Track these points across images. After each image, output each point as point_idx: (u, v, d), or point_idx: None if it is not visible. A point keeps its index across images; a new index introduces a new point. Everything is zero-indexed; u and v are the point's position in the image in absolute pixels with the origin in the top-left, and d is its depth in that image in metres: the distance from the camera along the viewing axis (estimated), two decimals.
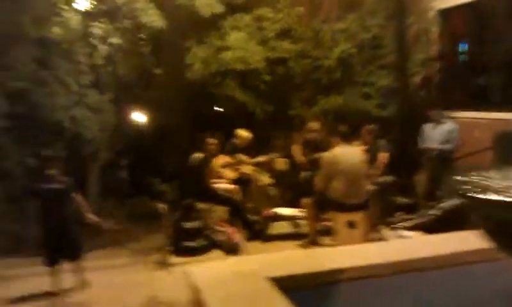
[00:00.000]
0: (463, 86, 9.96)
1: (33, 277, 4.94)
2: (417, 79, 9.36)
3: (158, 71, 8.76)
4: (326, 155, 5.76)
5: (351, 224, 5.51)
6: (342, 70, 9.72)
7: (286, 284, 2.59)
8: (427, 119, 7.51)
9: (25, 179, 5.82)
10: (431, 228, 5.71)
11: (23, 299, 4.52)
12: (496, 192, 1.95)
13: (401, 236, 5.83)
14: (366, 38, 9.62)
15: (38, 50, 6.84)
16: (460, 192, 2.11)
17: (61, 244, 4.69)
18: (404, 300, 2.70)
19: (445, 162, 6.90)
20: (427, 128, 7.45)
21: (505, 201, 1.87)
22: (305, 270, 2.88)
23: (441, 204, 6.02)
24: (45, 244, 4.70)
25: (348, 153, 5.67)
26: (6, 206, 5.61)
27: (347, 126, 5.92)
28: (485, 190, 1.99)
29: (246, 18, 9.34)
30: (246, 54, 8.85)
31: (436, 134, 7.27)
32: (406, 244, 3.86)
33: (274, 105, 9.41)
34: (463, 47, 10.37)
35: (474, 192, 2.01)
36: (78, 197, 4.81)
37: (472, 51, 10.18)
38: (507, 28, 8.88)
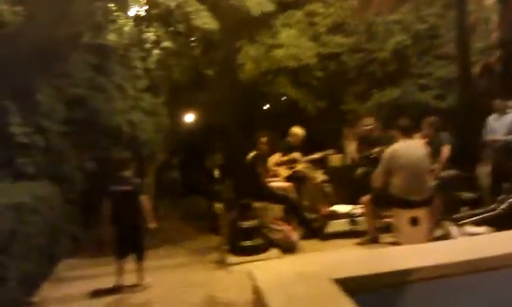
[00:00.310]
0: None
1: (94, 278, 5.07)
2: (477, 68, 8.93)
3: (210, 72, 8.83)
4: (387, 150, 5.53)
5: (414, 221, 5.28)
6: (397, 62, 9.46)
7: (351, 287, 2.47)
8: (491, 110, 7.12)
9: (83, 183, 5.99)
10: (499, 223, 5.40)
11: (87, 296, 4.62)
12: None
13: (469, 233, 5.53)
14: (422, 29, 9.31)
15: (94, 56, 7.04)
16: None
17: (129, 243, 4.79)
18: (478, 301, 2.54)
19: (510, 154, 6.52)
20: (491, 119, 7.06)
21: None
22: (371, 271, 2.74)
23: (509, 199, 5.68)
24: (116, 241, 4.79)
25: (410, 148, 5.44)
26: (65, 209, 5.78)
27: (407, 120, 5.68)
28: None
29: (297, 15, 9.26)
30: (298, 51, 8.77)
31: (500, 125, 6.88)
32: (477, 241, 3.63)
33: (327, 100, 9.28)
34: None
35: None
36: (145, 200, 4.89)
37: None
38: None
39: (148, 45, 8.44)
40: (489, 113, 7.14)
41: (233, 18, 8.87)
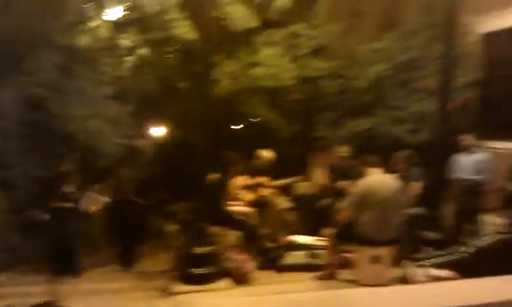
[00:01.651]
0: (504, 115, 9.37)
1: (22, 296, 4.66)
2: (454, 104, 8.84)
3: (183, 85, 8.57)
4: (359, 184, 5.29)
5: (376, 259, 5.08)
6: (374, 92, 9.31)
7: None
8: (459, 147, 6.99)
9: (30, 190, 5.63)
10: (462, 267, 5.20)
11: None
12: None
13: (432, 276, 5.33)
14: (404, 60, 9.18)
15: (61, 57, 6.74)
16: None
17: (62, 262, 4.50)
18: None
19: (475, 194, 6.38)
20: (459, 157, 6.93)
21: None
22: None
23: (475, 242, 5.51)
24: (51, 257, 4.51)
25: (384, 184, 5.22)
26: (6, 217, 5.41)
27: (377, 154, 5.48)
28: None
29: (280, 34, 9.06)
30: (277, 71, 8.56)
31: (468, 164, 6.75)
32: (440, 289, 3.39)
33: (301, 125, 9.07)
34: (506, 74, 9.78)
35: None
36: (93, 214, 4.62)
37: None
38: None
39: (122, 51, 8.20)
40: (457, 151, 7.03)
41: (213, 31, 8.68)
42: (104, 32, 7.94)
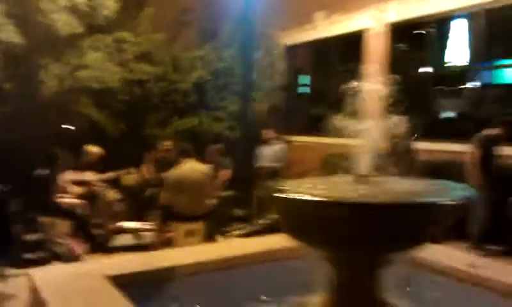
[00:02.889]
0: (302, 114, 11.30)
1: None
2: (263, 106, 10.39)
3: (8, 85, 8.63)
4: (175, 171, 6.28)
5: (190, 233, 6.09)
6: (197, 94, 10.46)
7: (123, 282, 3.03)
8: (262, 140, 8.47)
9: None
10: (259, 235, 6.49)
11: None
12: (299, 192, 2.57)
13: None
14: (220, 67, 10.47)
15: None
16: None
17: None
18: (232, 290, 3.31)
19: (274, 178, 7.84)
20: (261, 148, 8.39)
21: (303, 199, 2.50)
22: (140, 269, 3.36)
23: (269, 216, 6.85)
24: None
25: (194, 170, 6.27)
26: None
27: (191, 145, 6.54)
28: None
29: (106, 40, 9.60)
30: (102, 74, 9.09)
31: (268, 154, 8.23)
32: (231, 245, 4.52)
33: (130, 124, 9.74)
34: (303, 80, 11.75)
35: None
36: None
37: (311, 84, 11.60)
38: (339, 64, 10.31)
39: None
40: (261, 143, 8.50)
41: (39, 35, 8.87)
42: None
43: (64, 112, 9.11)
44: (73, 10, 8.61)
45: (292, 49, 11.45)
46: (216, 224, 6.72)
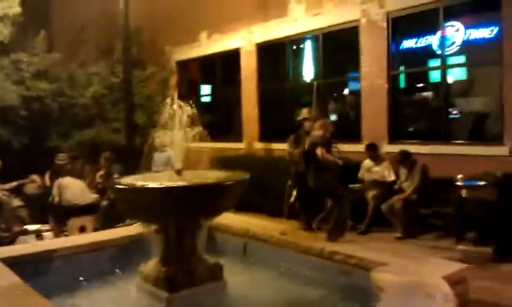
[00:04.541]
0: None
1: None
2: (158, 117, 11.58)
3: None
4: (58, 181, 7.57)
5: (83, 229, 7.27)
6: (96, 108, 11.52)
7: (11, 262, 4.21)
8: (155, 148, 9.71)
9: None
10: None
11: None
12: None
13: None
14: (115, 82, 11.54)
15: None
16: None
17: None
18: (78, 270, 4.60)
19: None
20: (156, 155, 9.65)
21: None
22: (26, 251, 4.61)
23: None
24: None
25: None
26: None
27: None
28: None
29: (3, 61, 10.41)
30: (1, 92, 9.92)
31: (160, 159, 9.51)
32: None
33: (32, 137, 10.62)
34: (196, 91, 13.11)
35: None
36: None
37: (203, 94, 13.06)
38: (226, 78, 11.79)
39: None
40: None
41: None
42: None
43: None
44: None
45: (183, 64, 12.78)
46: (107, 221, 7.91)
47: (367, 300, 3.67)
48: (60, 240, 5.80)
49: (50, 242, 6.13)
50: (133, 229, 5.30)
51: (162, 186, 3.84)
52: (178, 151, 4.34)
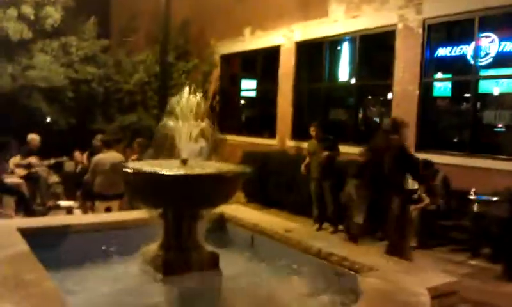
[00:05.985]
0: (234, 116, 12.92)
1: None
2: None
3: None
4: (95, 158, 7.82)
5: (108, 209, 7.60)
6: (140, 94, 11.96)
7: (29, 232, 4.48)
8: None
9: None
10: None
11: None
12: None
13: None
14: (159, 70, 11.90)
15: None
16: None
17: None
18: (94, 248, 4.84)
19: None
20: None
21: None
22: (44, 224, 4.90)
23: None
24: None
25: (111, 157, 7.81)
26: None
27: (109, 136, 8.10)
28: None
29: (53, 44, 11.00)
30: (49, 74, 10.49)
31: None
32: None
33: (78, 118, 11.18)
34: (237, 85, 13.30)
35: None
36: None
37: (243, 89, 13.24)
38: (266, 74, 11.90)
39: None
40: None
41: None
42: None
43: (17, 105, 10.47)
44: (22, 18, 10.01)
45: (226, 58, 13.00)
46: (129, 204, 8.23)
47: (352, 300, 3.69)
48: (76, 217, 6.04)
49: (67, 217, 6.45)
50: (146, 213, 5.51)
51: (160, 173, 4.00)
52: (209, 143, 4.49)
